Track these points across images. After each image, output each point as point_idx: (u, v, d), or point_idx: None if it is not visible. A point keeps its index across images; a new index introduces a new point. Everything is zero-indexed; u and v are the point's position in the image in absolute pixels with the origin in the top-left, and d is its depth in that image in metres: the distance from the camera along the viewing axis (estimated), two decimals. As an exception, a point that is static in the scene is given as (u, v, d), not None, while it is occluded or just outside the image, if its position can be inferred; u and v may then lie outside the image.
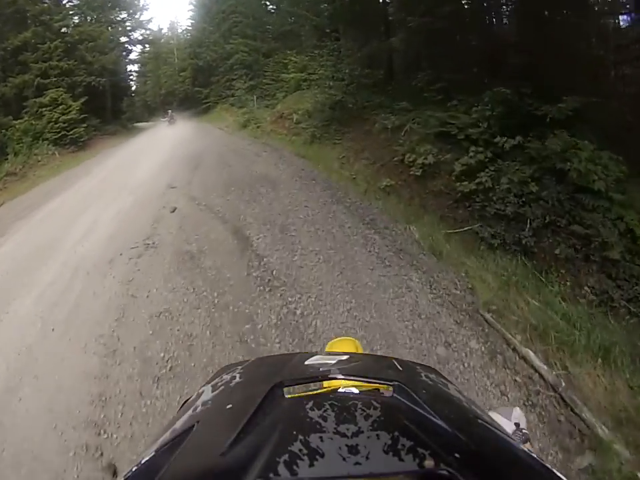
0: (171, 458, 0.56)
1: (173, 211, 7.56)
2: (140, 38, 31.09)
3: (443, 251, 5.71)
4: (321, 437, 0.52)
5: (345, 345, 1.60)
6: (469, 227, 6.87)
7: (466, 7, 11.70)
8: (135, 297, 4.74)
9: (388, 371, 0.82)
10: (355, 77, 13.07)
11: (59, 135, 18.12)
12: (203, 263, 5.37)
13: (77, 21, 22.73)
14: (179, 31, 45.17)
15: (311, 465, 0.47)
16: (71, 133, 18.40)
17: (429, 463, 0.47)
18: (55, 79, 19.24)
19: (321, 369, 0.79)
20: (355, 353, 1.16)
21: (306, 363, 0.83)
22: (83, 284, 5.24)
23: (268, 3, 26.32)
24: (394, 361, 0.89)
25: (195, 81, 32.91)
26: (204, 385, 0.86)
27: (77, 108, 18.97)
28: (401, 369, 0.84)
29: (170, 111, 30.16)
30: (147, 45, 33.37)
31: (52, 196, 10.61)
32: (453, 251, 5.86)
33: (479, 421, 0.66)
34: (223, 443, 0.53)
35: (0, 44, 18.85)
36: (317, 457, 0.49)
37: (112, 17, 26.68)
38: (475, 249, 6.26)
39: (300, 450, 0.49)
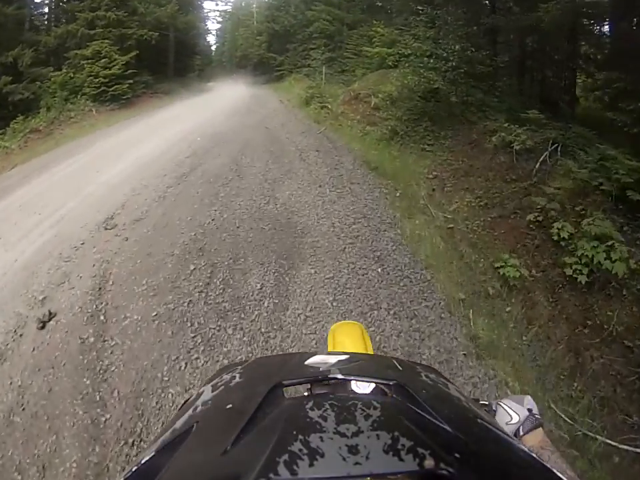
0: (171, 458, 0.57)
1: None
2: None
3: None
4: (320, 437, 0.53)
5: (349, 328, 1.64)
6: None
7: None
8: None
9: (388, 370, 0.84)
10: (465, 58, 9.25)
11: (99, 90, 16.45)
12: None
13: None
14: (260, -8, 42.68)
15: (311, 464, 0.48)
16: (112, 89, 16.67)
17: (429, 462, 0.48)
18: (102, 30, 17.50)
19: (320, 369, 0.79)
20: (355, 353, 1.07)
21: (306, 362, 0.84)
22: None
23: None
24: (394, 360, 0.91)
25: (271, 46, 30.56)
26: (204, 385, 0.86)
27: (122, 63, 17.18)
28: (400, 368, 0.86)
29: (223, 81, 29.45)
30: (217, 3, 31.48)
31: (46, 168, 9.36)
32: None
33: (479, 420, 0.66)
34: (223, 443, 0.54)
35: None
36: (317, 457, 0.49)
37: None
38: None
39: (300, 450, 0.50)
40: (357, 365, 0.84)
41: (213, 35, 44.27)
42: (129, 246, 5.04)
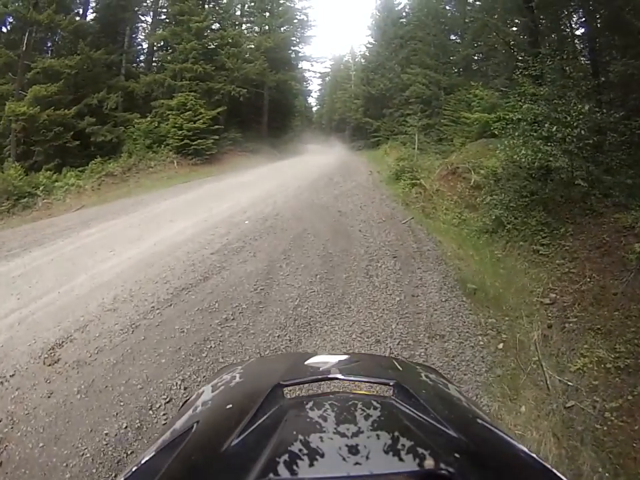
0: (171, 458, 0.59)
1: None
2: (305, 54, 30.53)
3: None
4: (321, 437, 0.55)
5: None
6: None
7: None
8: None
9: (388, 370, 0.91)
10: (593, 123, 7.32)
11: (182, 142, 17.15)
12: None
13: (218, 26, 21.89)
14: (357, 56, 44.02)
15: (311, 464, 0.49)
16: (195, 143, 17.29)
17: (429, 463, 0.49)
18: (188, 83, 18.51)
19: (320, 369, 0.84)
20: (355, 353, 1.63)
21: (306, 362, 0.89)
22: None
23: (451, 31, 22.80)
24: (394, 360, 0.99)
25: (367, 110, 30.59)
26: (204, 385, 0.92)
27: (208, 117, 17.89)
28: (400, 368, 0.92)
29: (316, 145, 30.30)
30: (312, 63, 32.83)
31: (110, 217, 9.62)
32: None
33: (479, 421, 0.69)
34: (223, 443, 0.56)
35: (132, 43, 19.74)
36: (317, 457, 0.51)
37: (263, 24, 26.05)
38: None
39: (300, 450, 0.52)
40: (357, 365, 0.90)
41: (314, 97, 46.01)
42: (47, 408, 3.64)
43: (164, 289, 5.67)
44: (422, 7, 22.99)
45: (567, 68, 8.26)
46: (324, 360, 0.89)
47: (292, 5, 27.45)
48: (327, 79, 42.51)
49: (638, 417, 3.66)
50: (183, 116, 17.33)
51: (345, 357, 0.91)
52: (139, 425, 3.43)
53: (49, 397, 3.75)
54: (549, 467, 0.58)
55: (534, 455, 0.60)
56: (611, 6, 8.72)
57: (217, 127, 18.31)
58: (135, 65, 20.38)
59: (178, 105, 17.58)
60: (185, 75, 18.58)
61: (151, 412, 3.57)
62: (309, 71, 33.03)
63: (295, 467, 0.48)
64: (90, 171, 14.28)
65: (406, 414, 0.63)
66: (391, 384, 0.74)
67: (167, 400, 3.69)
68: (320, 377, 0.82)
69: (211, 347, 4.42)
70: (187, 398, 0.91)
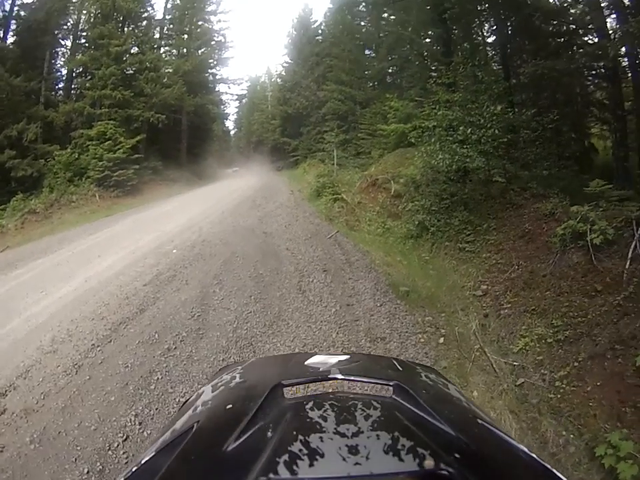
0: (171, 458, 0.59)
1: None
2: (222, 77, 30.29)
3: None
4: (321, 437, 0.56)
5: None
6: None
7: None
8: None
9: (388, 371, 0.91)
10: (506, 123, 7.79)
11: (103, 174, 16.57)
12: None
13: (137, 50, 21.29)
14: (273, 76, 44.58)
15: (311, 465, 0.50)
16: (116, 174, 16.75)
17: (429, 463, 0.50)
18: (107, 110, 18.00)
19: (320, 369, 0.86)
20: (355, 353, 1.60)
21: (306, 363, 0.90)
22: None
23: (366, 46, 23.56)
24: (394, 361, 0.99)
25: (285, 130, 30.99)
26: (204, 385, 0.93)
27: (128, 146, 17.47)
28: (400, 369, 0.93)
29: (236, 169, 31.94)
30: (230, 86, 32.66)
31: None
32: None
33: (479, 421, 0.70)
34: (223, 443, 0.57)
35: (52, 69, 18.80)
36: (317, 457, 0.51)
37: (182, 47, 25.70)
38: None
39: (300, 450, 0.52)
40: (357, 365, 0.91)
41: (231, 120, 46.06)
42: None
43: (101, 325, 5.49)
44: (337, 23, 23.87)
45: (479, 73, 8.68)
46: (324, 360, 0.90)
47: (210, 26, 27.46)
48: (244, 101, 42.95)
49: (588, 379, 3.84)
50: (102, 146, 16.86)
51: (345, 357, 0.92)
52: (100, 467, 3.25)
53: (1, 451, 3.48)
54: (548, 466, 0.59)
55: (534, 455, 0.61)
56: (521, 13, 9.56)
57: (136, 156, 17.88)
58: (54, 92, 19.47)
59: (97, 135, 17.10)
60: (104, 102, 18.10)
61: (110, 452, 3.41)
62: (226, 93, 32.89)
63: (295, 467, 0.49)
64: (12, 208, 13.56)
65: (406, 414, 0.64)
66: (391, 384, 0.75)
67: (124, 438, 3.53)
68: (320, 377, 0.83)
69: (158, 378, 4.31)
70: (187, 398, 0.93)
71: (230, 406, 0.75)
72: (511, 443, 0.64)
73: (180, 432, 0.68)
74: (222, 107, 33.06)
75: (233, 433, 0.58)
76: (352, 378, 0.83)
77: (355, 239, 9.07)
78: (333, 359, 0.90)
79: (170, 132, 23.33)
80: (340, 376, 0.81)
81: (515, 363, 4.29)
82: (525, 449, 0.62)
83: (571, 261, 5.19)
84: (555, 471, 0.58)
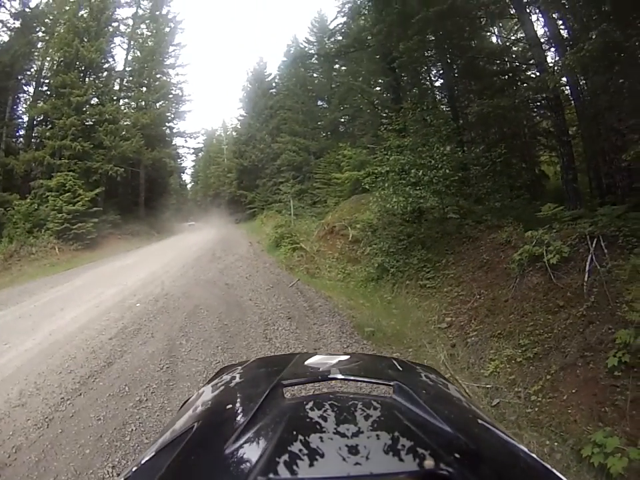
0: (171, 458, 0.59)
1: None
2: (179, 130, 30.10)
3: None
4: (320, 437, 0.56)
5: None
6: None
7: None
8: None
9: (388, 371, 0.92)
10: (457, 161, 8.23)
11: (62, 226, 16.38)
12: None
13: (97, 101, 21.23)
14: (229, 129, 45.40)
15: (311, 465, 0.50)
16: (75, 227, 16.63)
17: (429, 463, 0.50)
18: (67, 162, 17.92)
19: (320, 369, 0.86)
20: (355, 353, 1.69)
21: (306, 363, 0.91)
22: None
23: (318, 97, 24.63)
24: (394, 361, 0.99)
25: (241, 183, 31.58)
26: (204, 385, 0.94)
27: (87, 199, 17.46)
28: (400, 369, 0.93)
29: (193, 223, 32.05)
30: (186, 139, 33.76)
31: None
32: None
33: (479, 421, 0.70)
34: (223, 443, 0.57)
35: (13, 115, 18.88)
36: (317, 457, 0.51)
37: (140, 99, 25.83)
38: None
39: (300, 450, 0.52)
40: (357, 365, 0.91)
41: (188, 174, 46.17)
42: None
43: (69, 378, 5.33)
44: (291, 76, 24.77)
45: (428, 117, 9.17)
46: (324, 360, 0.90)
47: (168, 80, 27.88)
48: (200, 154, 43.37)
49: (562, 389, 3.92)
50: (62, 197, 16.71)
51: (345, 357, 0.92)
52: None
53: None
54: (548, 466, 0.59)
55: (533, 455, 0.61)
56: (466, 56, 10.28)
57: (95, 209, 17.82)
58: (14, 139, 19.31)
59: (57, 186, 16.94)
60: (64, 153, 17.99)
61: None
62: (183, 147, 33.07)
63: (294, 467, 0.49)
64: (-30, 259, 13.14)
65: (406, 414, 0.64)
66: (391, 384, 0.76)
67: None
68: (320, 377, 0.84)
69: (132, 429, 4.18)
70: (187, 398, 0.92)
71: (230, 406, 0.76)
72: (511, 443, 0.64)
73: (180, 432, 0.68)
74: (179, 160, 33.11)
75: (233, 433, 0.58)
76: (352, 378, 0.84)
77: (317, 285, 9.10)
78: (333, 359, 0.90)
79: (128, 185, 23.43)
80: (340, 376, 0.82)
81: (487, 386, 4.30)
82: (525, 449, 0.62)
83: (530, 283, 5.35)
84: (554, 470, 0.58)
